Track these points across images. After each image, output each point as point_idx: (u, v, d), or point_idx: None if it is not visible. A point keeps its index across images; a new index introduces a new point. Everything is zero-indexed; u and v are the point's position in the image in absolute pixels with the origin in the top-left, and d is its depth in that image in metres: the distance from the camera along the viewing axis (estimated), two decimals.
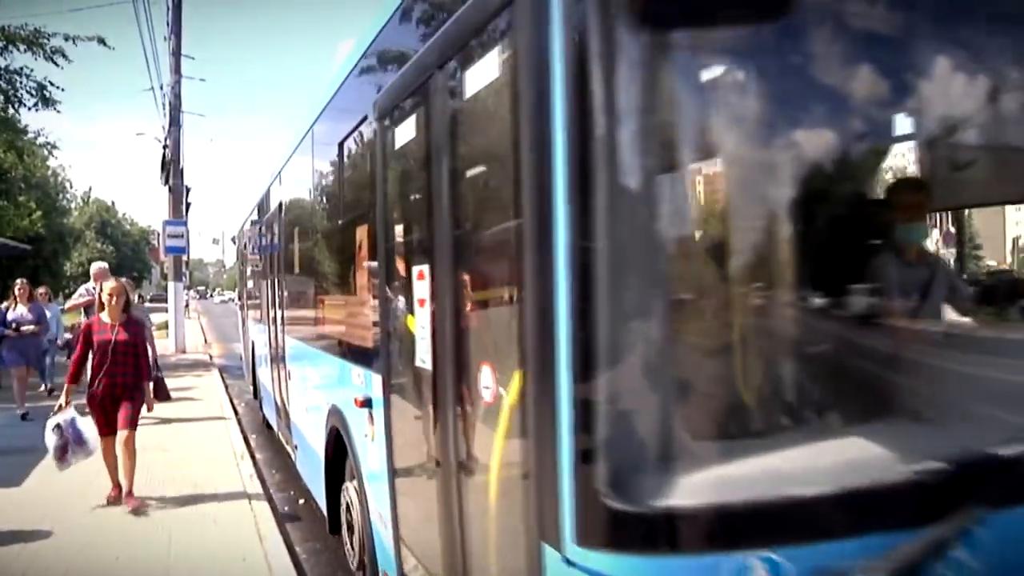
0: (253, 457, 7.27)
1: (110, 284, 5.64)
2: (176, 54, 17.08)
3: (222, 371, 14.22)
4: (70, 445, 5.25)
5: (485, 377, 2.09)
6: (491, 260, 2.14)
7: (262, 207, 8.16)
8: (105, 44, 14.90)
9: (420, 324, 2.59)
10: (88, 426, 5.33)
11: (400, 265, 2.93)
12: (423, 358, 2.57)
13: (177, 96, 17.08)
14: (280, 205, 6.70)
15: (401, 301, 2.92)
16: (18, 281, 9.70)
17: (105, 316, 5.47)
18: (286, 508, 6.00)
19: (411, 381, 2.83)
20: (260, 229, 8.52)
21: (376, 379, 3.22)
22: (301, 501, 6.10)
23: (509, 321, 1.88)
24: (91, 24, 15.31)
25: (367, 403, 3.36)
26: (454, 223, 2.26)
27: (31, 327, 9.43)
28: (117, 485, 5.49)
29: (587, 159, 1.50)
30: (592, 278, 1.51)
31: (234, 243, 14.50)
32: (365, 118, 3.43)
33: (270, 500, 5.74)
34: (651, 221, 1.57)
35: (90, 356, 5.38)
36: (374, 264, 3.23)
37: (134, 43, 16.00)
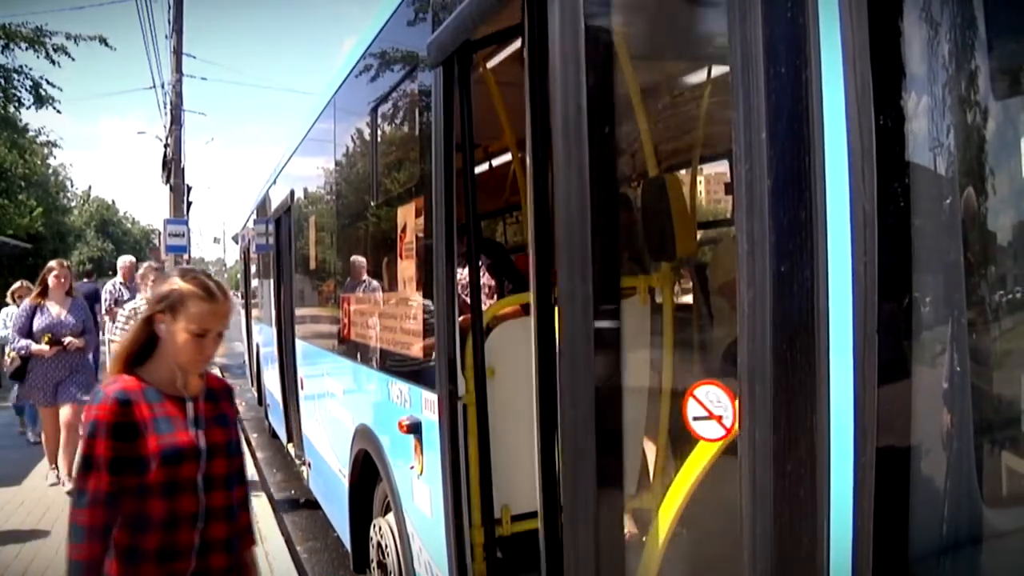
0: (254, 456, 7.27)
1: (188, 281, 1.86)
2: (177, 52, 17.09)
3: (223, 370, 14.23)
4: None
5: (691, 407, 1.48)
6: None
7: (270, 198, 7.55)
8: (107, 44, 14.94)
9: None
10: None
11: (474, 248, 2.44)
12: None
13: (179, 95, 17.09)
14: (292, 193, 6.09)
15: (472, 297, 2.42)
16: (53, 263, 5.93)
17: (164, 378, 1.87)
18: (287, 507, 5.99)
19: (492, 405, 2.35)
20: (268, 222, 7.82)
21: (428, 398, 2.62)
22: (302, 500, 6.09)
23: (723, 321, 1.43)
24: (92, 22, 15.43)
25: (414, 429, 2.77)
26: (589, 180, 1.58)
27: (75, 341, 5.68)
28: None
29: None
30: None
31: (236, 242, 14.49)
32: (412, 70, 2.97)
33: (271, 499, 5.73)
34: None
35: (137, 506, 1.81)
36: (427, 250, 2.65)
37: (135, 41, 16.08)
